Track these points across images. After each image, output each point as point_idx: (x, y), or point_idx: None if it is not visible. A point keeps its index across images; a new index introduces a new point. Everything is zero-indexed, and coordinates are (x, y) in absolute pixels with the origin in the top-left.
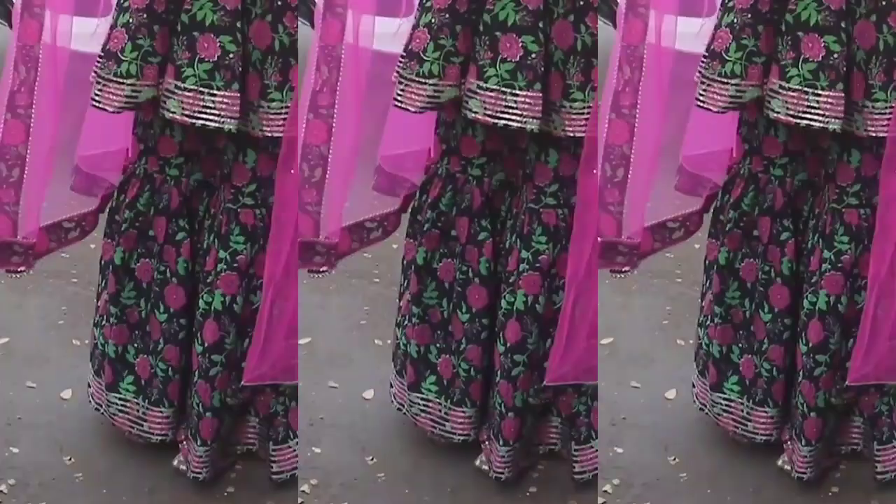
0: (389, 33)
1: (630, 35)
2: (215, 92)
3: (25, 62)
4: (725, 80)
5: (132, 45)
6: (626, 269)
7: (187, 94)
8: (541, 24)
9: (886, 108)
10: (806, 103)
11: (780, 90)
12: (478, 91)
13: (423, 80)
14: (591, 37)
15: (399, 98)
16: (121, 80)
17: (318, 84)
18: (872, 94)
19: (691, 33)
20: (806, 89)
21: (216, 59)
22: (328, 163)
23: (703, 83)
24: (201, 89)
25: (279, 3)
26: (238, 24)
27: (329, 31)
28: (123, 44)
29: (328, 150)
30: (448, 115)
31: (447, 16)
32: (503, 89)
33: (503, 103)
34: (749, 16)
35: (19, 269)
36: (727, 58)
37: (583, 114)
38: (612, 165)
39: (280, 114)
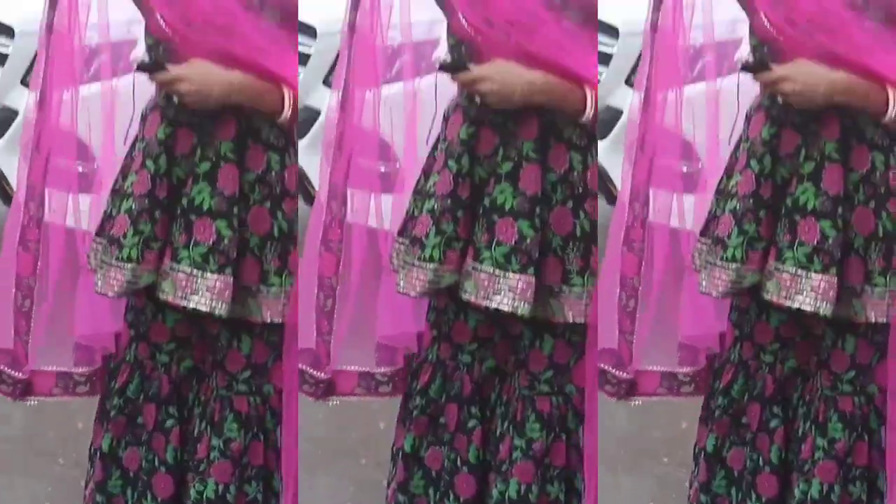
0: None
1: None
2: (208, 275)
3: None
4: (726, 266)
5: (134, 230)
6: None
7: (181, 275)
8: (538, 210)
9: (886, 292)
10: (799, 286)
11: (775, 271)
12: (472, 272)
13: (424, 265)
14: (591, 222)
15: (401, 283)
16: (121, 265)
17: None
18: (872, 280)
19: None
20: (800, 272)
21: (211, 243)
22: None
23: (705, 268)
24: (195, 272)
25: (278, 189)
26: (235, 210)
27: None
28: (126, 229)
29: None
30: (440, 302)
31: (449, 202)
32: (496, 271)
33: (496, 285)
34: (751, 201)
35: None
36: (728, 243)
37: (581, 298)
38: (626, 295)
39: (279, 298)
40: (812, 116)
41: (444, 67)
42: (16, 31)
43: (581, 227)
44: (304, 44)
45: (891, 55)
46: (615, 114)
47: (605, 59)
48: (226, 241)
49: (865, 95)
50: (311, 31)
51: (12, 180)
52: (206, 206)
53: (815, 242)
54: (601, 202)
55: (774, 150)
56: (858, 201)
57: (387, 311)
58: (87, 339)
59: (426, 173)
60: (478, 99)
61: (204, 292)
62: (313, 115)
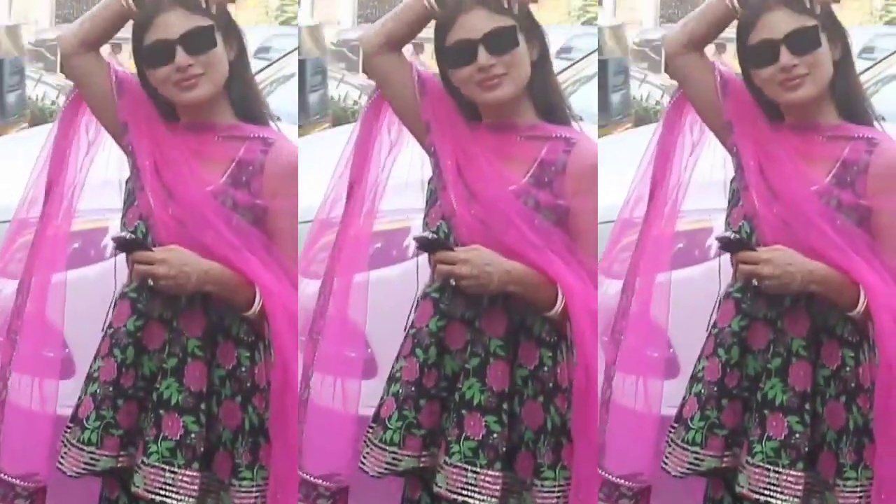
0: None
1: None
2: (176, 470)
3: None
4: (686, 447)
5: (96, 414)
6: None
7: (150, 470)
8: (505, 406)
9: (857, 485)
10: (767, 480)
11: (746, 465)
12: (444, 466)
13: (384, 448)
14: (561, 418)
15: (363, 461)
16: (81, 447)
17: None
18: (843, 473)
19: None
20: (768, 466)
21: (178, 437)
22: None
23: (668, 446)
24: (163, 466)
25: (248, 384)
26: (202, 406)
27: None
28: (89, 412)
29: None
30: (412, 493)
31: (413, 389)
32: (465, 466)
33: (463, 480)
34: (715, 389)
35: None
36: (691, 426)
37: (553, 492)
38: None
39: (251, 492)
40: (782, 312)
41: (425, 244)
42: None
43: (552, 421)
44: None
45: (861, 255)
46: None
47: None
48: (192, 437)
49: (839, 288)
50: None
51: None
52: (173, 401)
53: (783, 437)
54: None
55: (744, 342)
56: (830, 396)
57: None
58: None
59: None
60: (452, 282)
61: (171, 487)
62: None
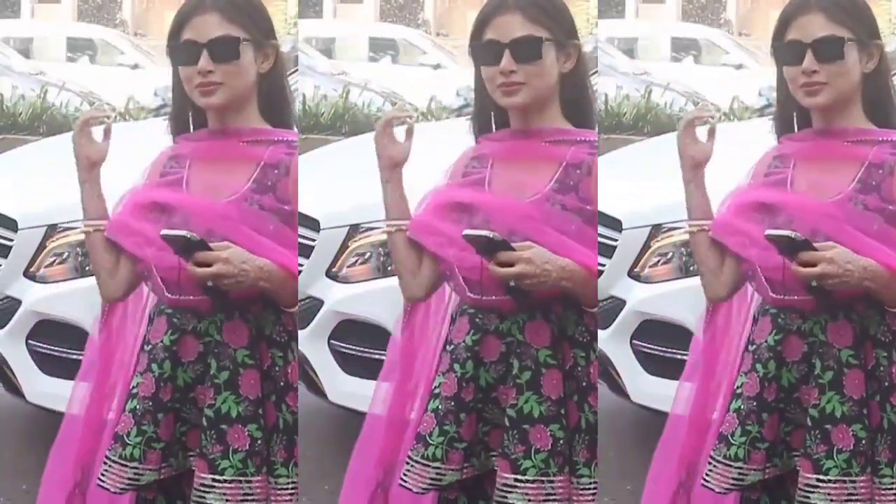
0: None
1: None
2: (251, 479)
3: None
4: (729, 463)
5: (137, 430)
6: None
7: (228, 485)
8: (563, 411)
9: (893, 483)
10: (846, 492)
11: (819, 483)
12: (517, 484)
13: (427, 464)
14: (594, 415)
15: (404, 478)
16: (124, 463)
17: None
18: (879, 471)
19: None
20: (844, 479)
21: (248, 447)
22: None
23: (710, 463)
24: (239, 479)
25: (282, 383)
26: (260, 411)
27: None
28: (130, 428)
29: None
30: (450, 494)
31: (453, 404)
32: (542, 479)
33: (543, 493)
34: (755, 403)
35: None
36: (732, 441)
37: (588, 489)
38: None
39: (287, 489)
40: (824, 326)
41: (485, 245)
42: (19, 224)
43: (586, 419)
44: (307, 237)
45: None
46: (618, 304)
47: (609, 251)
48: (259, 443)
49: (889, 283)
50: (314, 225)
51: (15, 368)
52: (234, 414)
53: (852, 447)
54: (604, 389)
55: (780, 355)
56: (868, 396)
57: None
58: None
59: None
60: (512, 282)
61: (250, 496)
62: (316, 305)
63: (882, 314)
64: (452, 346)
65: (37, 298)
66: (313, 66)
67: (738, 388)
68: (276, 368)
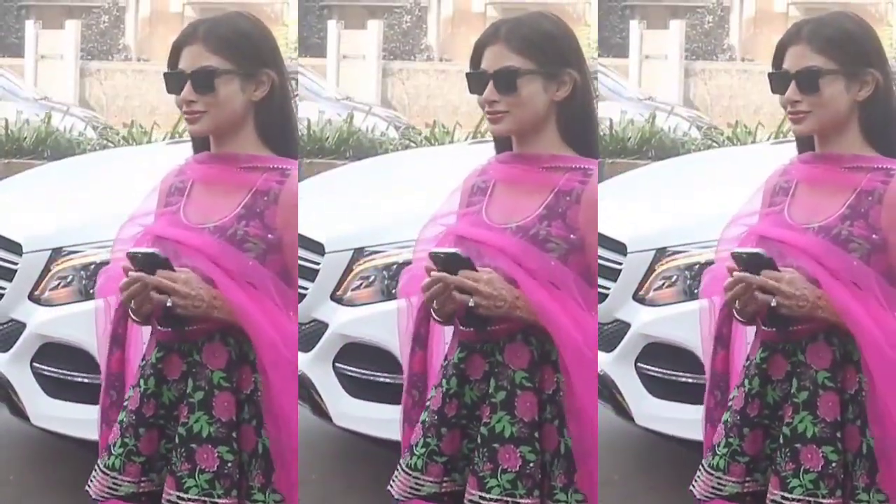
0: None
1: None
2: (217, 500)
3: None
4: (711, 472)
5: (121, 441)
6: None
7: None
8: (536, 434)
9: None
10: None
11: (784, 501)
12: (481, 501)
13: (409, 473)
14: (571, 439)
15: (391, 483)
16: (106, 472)
17: None
18: (856, 496)
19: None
20: (808, 499)
21: (216, 468)
22: None
23: (699, 470)
24: (203, 499)
25: (263, 409)
26: (234, 434)
27: None
28: (116, 438)
29: None
30: None
31: (436, 417)
32: (506, 499)
33: None
34: (738, 417)
35: None
36: (717, 452)
37: None
38: None
39: None
40: (803, 346)
41: (446, 260)
42: (24, 248)
43: (565, 444)
44: (312, 260)
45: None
46: (623, 327)
47: (614, 274)
48: (229, 465)
49: (838, 317)
50: (318, 248)
51: (20, 391)
52: (205, 434)
53: (820, 468)
54: (608, 412)
55: (765, 373)
56: (847, 420)
57: None
58: None
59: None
60: (470, 302)
61: None
62: (321, 328)
63: None
64: (446, 362)
65: (41, 321)
66: (318, 90)
67: (730, 400)
68: (259, 393)
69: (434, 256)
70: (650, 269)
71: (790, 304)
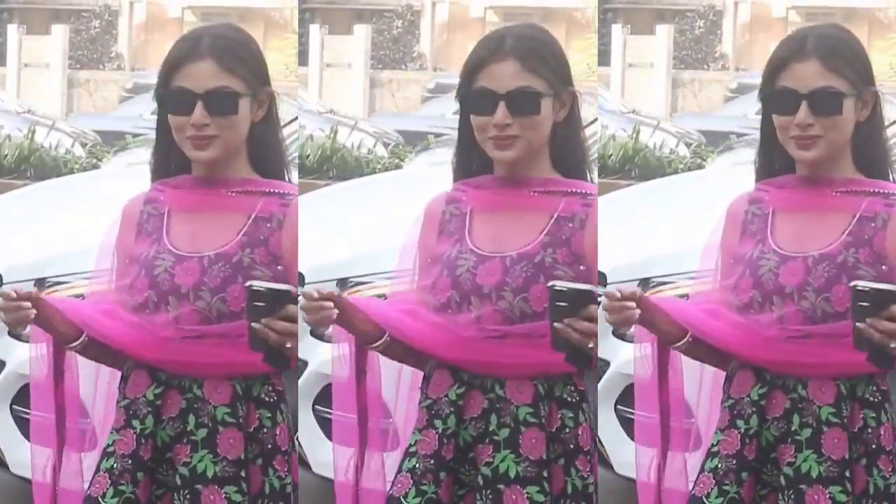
0: None
1: None
2: None
3: None
4: None
5: (114, 490)
6: None
7: None
8: (545, 473)
9: None
10: None
11: None
12: None
13: None
14: (581, 480)
15: None
16: None
17: None
18: None
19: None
20: None
21: None
22: None
23: None
24: None
25: (269, 446)
26: (243, 473)
27: None
28: (105, 489)
29: None
30: None
31: (432, 462)
32: None
33: None
34: (734, 462)
35: None
36: (707, 503)
37: None
38: None
39: None
40: (802, 380)
41: (569, 294)
42: (3, 278)
43: (573, 484)
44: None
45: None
46: (601, 366)
47: None
48: None
49: None
50: (299, 280)
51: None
52: (210, 474)
53: None
54: None
55: (762, 410)
56: (852, 458)
57: None
58: None
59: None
60: (591, 344)
61: None
62: (299, 367)
63: (870, 374)
64: (430, 402)
65: (23, 360)
66: (298, 102)
67: (713, 445)
68: (264, 430)
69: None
70: None
71: None
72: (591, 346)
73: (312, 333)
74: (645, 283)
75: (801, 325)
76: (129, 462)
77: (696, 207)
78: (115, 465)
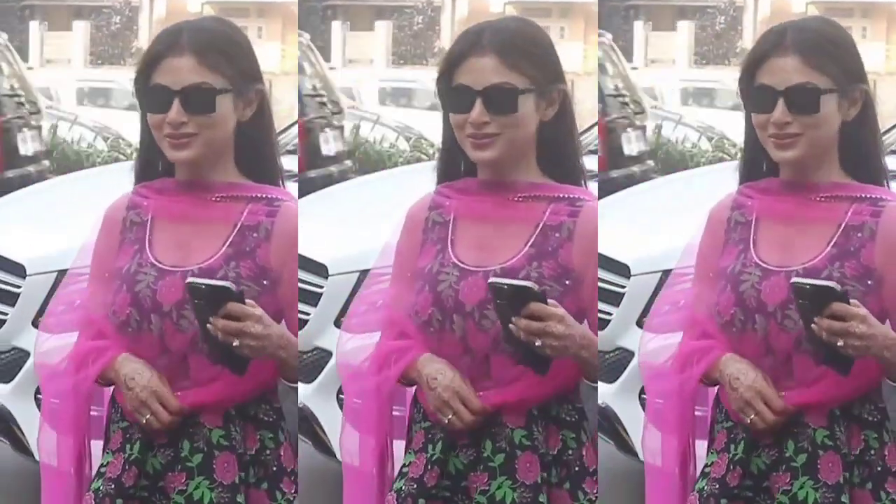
0: None
1: None
2: None
3: None
4: None
5: None
6: None
7: None
8: (541, 499)
9: None
10: None
11: None
12: None
13: None
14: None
15: None
16: None
17: None
18: None
19: None
20: None
21: None
22: None
23: None
24: None
25: (275, 468)
26: (239, 499)
27: None
28: None
29: None
30: None
31: (415, 486)
32: None
33: None
34: (717, 486)
35: None
36: None
37: None
38: None
39: None
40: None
41: (513, 294)
42: (27, 270)
43: None
44: (316, 284)
45: None
46: (626, 356)
47: (616, 298)
48: None
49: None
50: (321, 270)
51: (24, 425)
52: (206, 500)
53: None
54: (611, 448)
55: (751, 436)
56: (855, 483)
57: None
58: None
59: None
60: (538, 342)
61: None
62: (324, 357)
63: (865, 392)
64: (429, 424)
65: (46, 349)
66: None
67: (707, 466)
68: (267, 452)
69: (496, 289)
70: (655, 293)
71: (860, 345)
72: (537, 344)
73: (336, 323)
74: (668, 274)
75: (784, 345)
76: (112, 487)
77: (716, 200)
78: (101, 488)
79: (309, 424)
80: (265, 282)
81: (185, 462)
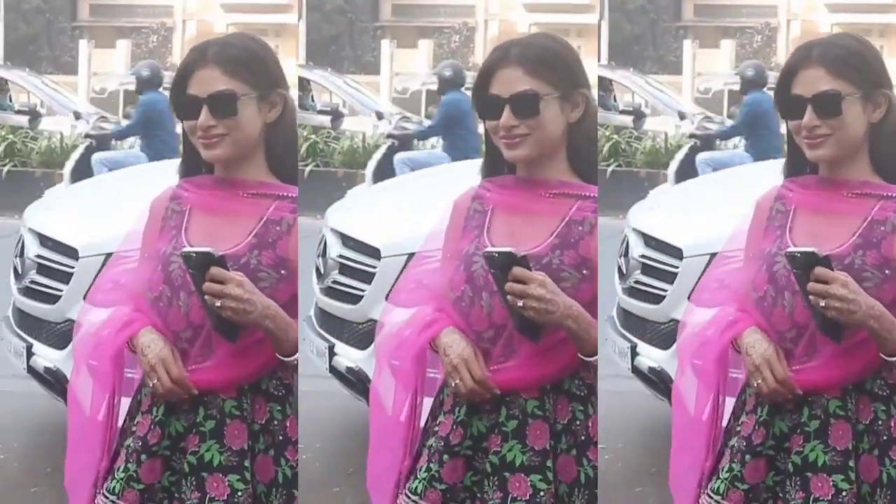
0: None
1: None
2: None
3: None
4: (711, 496)
5: (124, 466)
6: None
7: None
8: (549, 463)
9: None
10: None
11: None
12: None
13: (409, 497)
14: (594, 470)
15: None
16: (106, 496)
17: None
18: None
19: None
20: None
21: (226, 497)
22: None
23: (703, 495)
24: None
25: (280, 437)
26: (246, 463)
27: None
28: (121, 463)
29: None
30: None
31: (442, 444)
32: None
33: None
34: (744, 443)
35: None
36: (720, 476)
37: None
38: None
39: None
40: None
41: (500, 259)
42: (80, 253)
43: (585, 473)
44: (370, 265)
45: None
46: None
47: (671, 277)
48: (240, 494)
49: (891, 327)
50: (375, 253)
51: None
52: (216, 462)
53: (830, 497)
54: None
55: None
56: (863, 450)
57: None
58: None
59: (433, 413)
60: (520, 303)
61: None
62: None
63: (877, 368)
64: (455, 389)
65: (96, 321)
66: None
67: (738, 425)
68: (275, 422)
69: (488, 257)
70: (705, 272)
71: (840, 307)
72: (519, 304)
73: (387, 298)
74: (713, 256)
75: (809, 321)
76: (140, 444)
77: (757, 194)
78: (131, 444)
79: (364, 385)
80: (283, 271)
81: (199, 427)
